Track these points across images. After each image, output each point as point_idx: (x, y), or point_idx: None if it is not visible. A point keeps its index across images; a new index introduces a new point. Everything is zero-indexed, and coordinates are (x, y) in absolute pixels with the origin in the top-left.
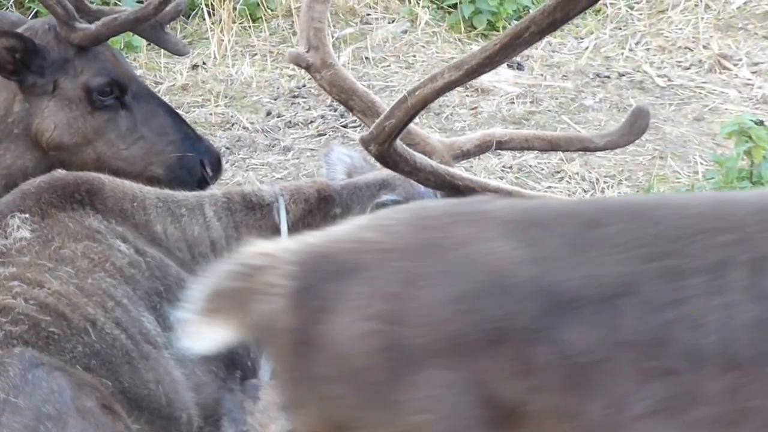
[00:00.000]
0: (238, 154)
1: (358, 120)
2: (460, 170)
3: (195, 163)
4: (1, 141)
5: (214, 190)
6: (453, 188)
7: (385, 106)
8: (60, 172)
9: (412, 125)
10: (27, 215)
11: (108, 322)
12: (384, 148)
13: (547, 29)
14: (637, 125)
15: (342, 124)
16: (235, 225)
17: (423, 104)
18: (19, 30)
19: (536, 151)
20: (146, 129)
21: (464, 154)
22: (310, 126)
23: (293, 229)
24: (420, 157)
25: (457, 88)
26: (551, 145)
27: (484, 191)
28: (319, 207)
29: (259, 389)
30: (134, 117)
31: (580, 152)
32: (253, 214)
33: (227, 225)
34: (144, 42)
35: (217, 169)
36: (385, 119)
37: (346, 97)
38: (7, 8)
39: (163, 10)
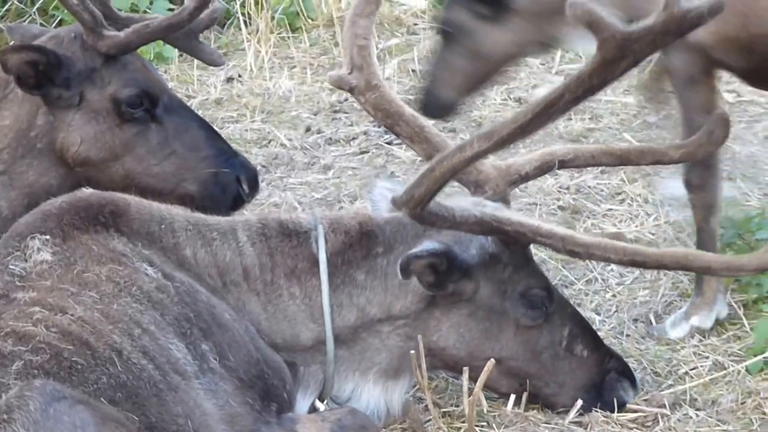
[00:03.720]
0: (275, 173)
1: None
2: (509, 211)
3: (230, 180)
4: (24, 156)
5: (249, 214)
6: (502, 233)
7: (434, 131)
8: (83, 192)
9: None
10: (48, 237)
11: (135, 351)
12: (417, 212)
13: (583, 96)
14: (715, 135)
15: (386, 141)
16: (270, 252)
17: (452, 174)
18: (44, 39)
19: (596, 172)
20: (178, 143)
21: (523, 178)
22: (352, 143)
23: (332, 261)
24: (460, 210)
25: (510, 102)
26: (621, 160)
27: (536, 236)
28: (360, 242)
29: (296, 423)
30: (166, 130)
31: (643, 173)
32: (289, 241)
33: (261, 251)
34: (176, 52)
35: (254, 186)
36: (414, 187)
37: (393, 122)
38: (31, 16)
39: (197, 16)
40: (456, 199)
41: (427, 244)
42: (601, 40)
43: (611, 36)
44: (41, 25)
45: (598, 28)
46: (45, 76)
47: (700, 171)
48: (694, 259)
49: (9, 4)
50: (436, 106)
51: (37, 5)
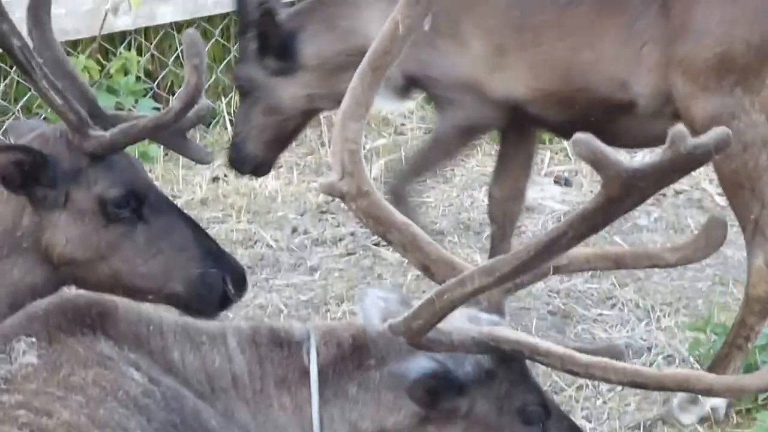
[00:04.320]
0: (261, 274)
1: None
2: (505, 329)
3: (217, 280)
4: (9, 255)
5: (241, 321)
6: (499, 352)
7: (428, 238)
8: (70, 293)
9: (456, 258)
10: (34, 339)
11: None
12: (414, 341)
13: (587, 233)
14: (713, 237)
15: (374, 242)
16: (260, 360)
17: (451, 307)
18: (30, 138)
19: (586, 276)
20: (165, 243)
21: (517, 285)
22: (339, 244)
23: (323, 373)
24: (457, 334)
25: None
26: (616, 264)
27: (534, 354)
28: (353, 354)
29: None
30: (152, 230)
31: (633, 278)
32: (280, 350)
33: (251, 359)
34: (161, 152)
35: (241, 286)
36: (412, 318)
37: (384, 230)
38: (14, 114)
39: (184, 116)
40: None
41: (423, 364)
42: (606, 178)
43: (617, 174)
44: None
45: (604, 166)
46: (30, 175)
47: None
48: (696, 381)
49: None
50: (243, 161)
51: (21, 103)
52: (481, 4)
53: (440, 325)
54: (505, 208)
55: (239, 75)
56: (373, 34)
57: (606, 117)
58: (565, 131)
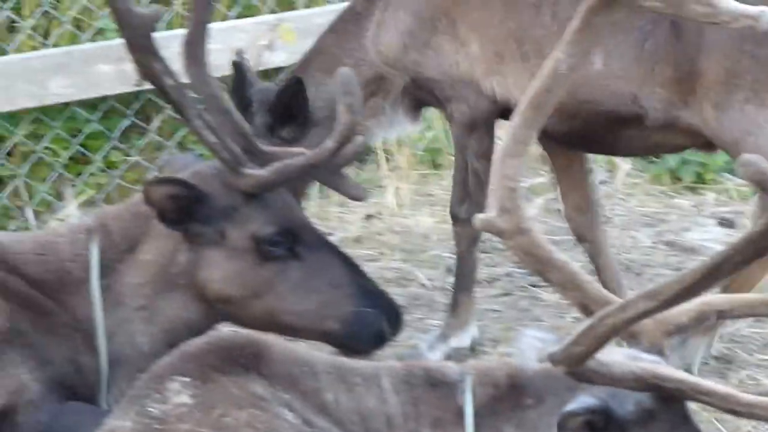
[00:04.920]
0: (415, 314)
1: None
2: (667, 367)
3: (373, 319)
4: (164, 292)
5: (393, 361)
6: (660, 390)
7: (587, 277)
8: (224, 332)
9: (616, 298)
10: (188, 379)
11: None
12: (573, 370)
13: (753, 257)
14: None
15: (531, 283)
16: (414, 402)
17: (613, 333)
18: (187, 174)
19: (750, 319)
20: (321, 281)
21: (679, 329)
22: (494, 284)
23: (478, 413)
24: (619, 367)
25: (660, 246)
26: None
27: (696, 394)
28: (509, 394)
29: None
30: (308, 268)
31: None
32: (435, 391)
33: (405, 401)
34: (316, 188)
35: (397, 326)
36: (572, 345)
37: (543, 268)
38: (169, 149)
39: (338, 154)
40: (609, 351)
41: (584, 400)
42: None
43: None
44: None
45: None
46: (186, 211)
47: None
48: None
49: (146, 137)
50: None
51: (176, 139)
52: (476, 10)
53: (600, 358)
54: (584, 222)
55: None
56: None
57: (609, 128)
58: (559, 139)
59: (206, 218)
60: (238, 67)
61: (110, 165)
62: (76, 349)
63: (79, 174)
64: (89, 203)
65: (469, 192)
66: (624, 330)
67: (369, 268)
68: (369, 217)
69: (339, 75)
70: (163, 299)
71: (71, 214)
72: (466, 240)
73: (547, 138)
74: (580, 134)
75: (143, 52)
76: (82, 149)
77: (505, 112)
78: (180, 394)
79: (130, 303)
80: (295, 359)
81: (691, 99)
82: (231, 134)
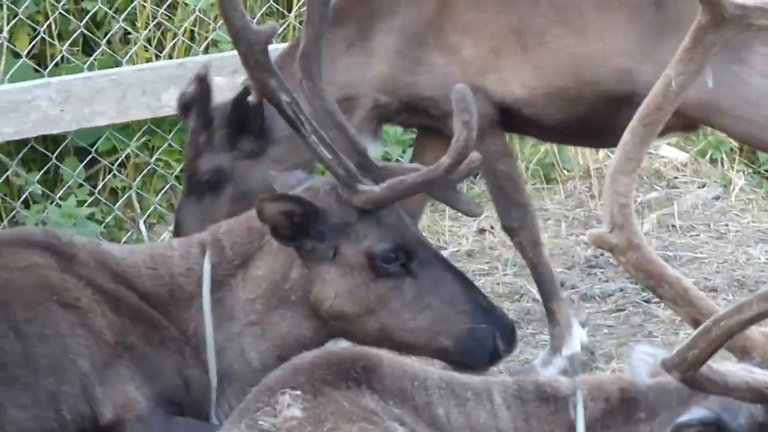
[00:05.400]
0: (527, 329)
1: None
2: None
3: (487, 336)
4: (277, 308)
5: (504, 376)
6: None
7: (700, 293)
8: (335, 346)
9: None
10: (299, 392)
11: None
12: (688, 375)
13: None
14: None
15: (644, 299)
16: (526, 417)
17: (728, 336)
18: (300, 190)
19: None
20: (434, 297)
21: None
22: (607, 300)
23: (590, 428)
24: (733, 376)
25: None
26: None
27: None
28: (620, 408)
29: None
30: (421, 284)
31: None
32: (546, 406)
33: (516, 416)
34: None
35: (511, 342)
36: (687, 349)
37: (655, 283)
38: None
39: (454, 171)
40: (722, 363)
41: (697, 412)
42: None
43: None
44: None
45: None
46: (300, 227)
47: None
48: None
49: None
50: None
51: None
52: (466, 13)
53: (714, 366)
54: None
55: (205, 169)
56: (355, 81)
57: (607, 111)
58: (557, 133)
59: (320, 234)
60: (202, 81)
61: None
62: (185, 363)
63: None
64: None
65: (509, 198)
66: (739, 332)
67: (481, 283)
68: (482, 231)
69: (455, 92)
70: (275, 315)
71: None
72: (530, 246)
73: (541, 132)
74: (576, 123)
75: (259, 68)
76: None
77: (505, 115)
78: (291, 407)
79: (242, 318)
80: (406, 374)
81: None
82: (345, 150)
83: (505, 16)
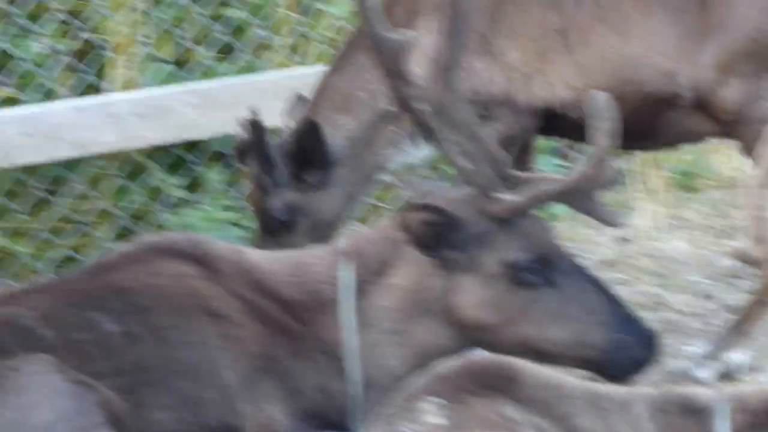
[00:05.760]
0: (667, 340)
1: None
2: None
3: (631, 346)
4: (416, 317)
5: (648, 388)
6: None
7: None
8: (476, 355)
9: None
10: (440, 400)
11: None
12: None
13: None
14: None
15: None
16: (669, 429)
17: None
18: (439, 200)
19: None
20: (576, 308)
21: None
22: None
23: None
24: None
25: None
26: None
27: None
28: (767, 421)
29: None
30: (563, 295)
31: None
32: (690, 418)
33: (659, 427)
34: (567, 210)
35: (655, 352)
36: None
37: None
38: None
39: (593, 180)
40: None
41: None
42: None
43: None
44: None
45: None
46: (441, 237)
47: None
48: None
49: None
50: None
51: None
52: (510, 16)
53: None
54: None
55: (277, 208)
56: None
57: (650, 112)
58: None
59: (460, 244)
60: (256, 125)
61: None
62: (323, 373)
63: None
64: None
65: None
66: None
67: (621, 292)
68: (622, 240)
69: (593, 99)
70: (414, 323)
71: None
72: None
73: (582, 134)
74: (622, 122)
75: (396, 78)
76: None
77: (550, 119)
78: (432, 414)
79: (381, 326)
80: (548, 383)
81: (713, 70)
82: (484, 160)
83: (547, 17)
